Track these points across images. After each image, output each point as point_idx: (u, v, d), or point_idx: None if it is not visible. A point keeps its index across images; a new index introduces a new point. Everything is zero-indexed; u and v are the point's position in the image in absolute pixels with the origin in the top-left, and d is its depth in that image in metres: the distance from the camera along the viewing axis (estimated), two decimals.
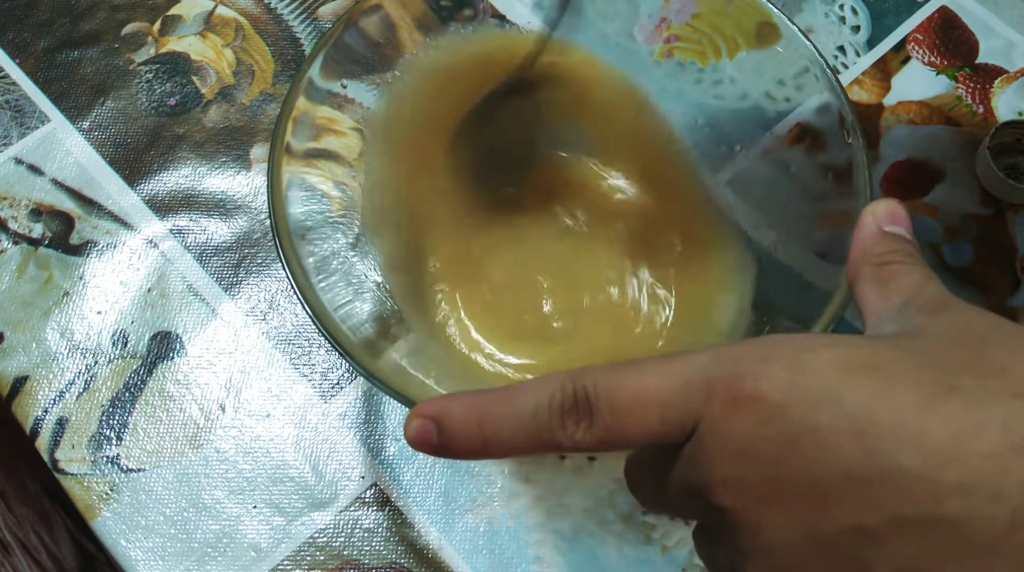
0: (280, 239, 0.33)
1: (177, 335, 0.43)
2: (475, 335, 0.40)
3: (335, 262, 0.35)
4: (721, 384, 0.22)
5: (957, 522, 0.19)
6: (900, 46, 0.50)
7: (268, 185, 0.34)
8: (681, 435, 0.22)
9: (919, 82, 0.49)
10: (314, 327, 0.43)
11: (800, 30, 0.37)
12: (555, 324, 0.41)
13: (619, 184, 0.43)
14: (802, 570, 0.20)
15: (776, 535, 0.21)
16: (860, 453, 0.20)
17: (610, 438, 0.23)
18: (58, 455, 0.41)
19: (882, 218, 0.27)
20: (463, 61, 0.41)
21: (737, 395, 0.21)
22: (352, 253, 0.37)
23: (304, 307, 0.32)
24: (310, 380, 0.42)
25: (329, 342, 0.31)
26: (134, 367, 0.42)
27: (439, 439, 0.24)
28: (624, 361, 0.23)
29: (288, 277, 0.32)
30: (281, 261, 0.33)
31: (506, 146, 0.43)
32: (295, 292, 0.32)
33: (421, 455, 0.41)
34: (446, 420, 0.24)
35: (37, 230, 0.45)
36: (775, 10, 0.37)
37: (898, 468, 0.19)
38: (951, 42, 0.50)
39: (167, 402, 0.42)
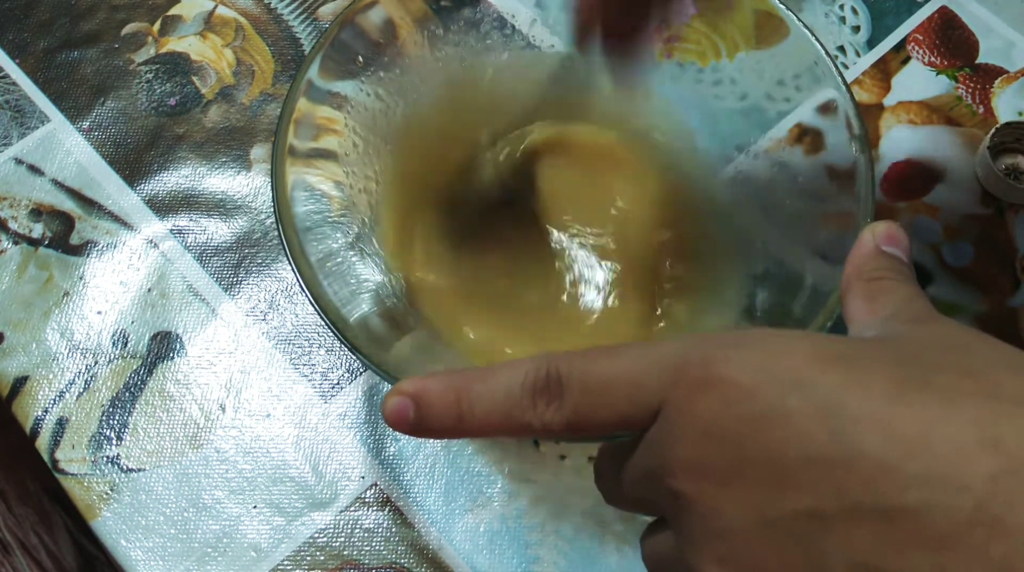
0: (288, 241, 0.33)
1: (177, 335, 0.43)
2: (478, 333, 0.40)
3: (334, 262, 0.35)
4: (690, 366, 0.21)
5: (916, 513, 0.18)
6: (900, 46, 0.50)
7: (272, 188, 0.34)
8: (648, 417, 0.22)
9: (919, 82, 0.49)
10: (316, 327, 0.43)
11: (807, 26, 0.37)
12: (559, 322, 0.41)
13: (620, 188, 0.44)
14: (752, 557, 0.20)
15: (729, 520, 0.20)
16: (824, 436, 0.19)
17: (579, 420, 0.23)
18: (58, 455, 0.41)
19: (881, 238, 0.27)
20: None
21: (706, 377, 0.21)
22: (351, 252, 0.37)
23: (315, 307, 0.32)
24: (310, 380, 0.42)
25: (339, 339, 0.31)
26: (134, 367, 0.42)
27: (415, 416, 0.24)
28: (602, 346, 0.23)
29: (297, 279, 0.32)
30: (289, 261, 0.33)
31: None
32: (305, 293, 0.32)
33: (421, 455, 0.41)
34: (425, 397, 0.24)
35: (37, 230, 0.45)
36: (781, 6, 0.37)
37: (861, 454, 0.19)
38: (951, 42, 0.50)
39: (167, 402, 0.42)
